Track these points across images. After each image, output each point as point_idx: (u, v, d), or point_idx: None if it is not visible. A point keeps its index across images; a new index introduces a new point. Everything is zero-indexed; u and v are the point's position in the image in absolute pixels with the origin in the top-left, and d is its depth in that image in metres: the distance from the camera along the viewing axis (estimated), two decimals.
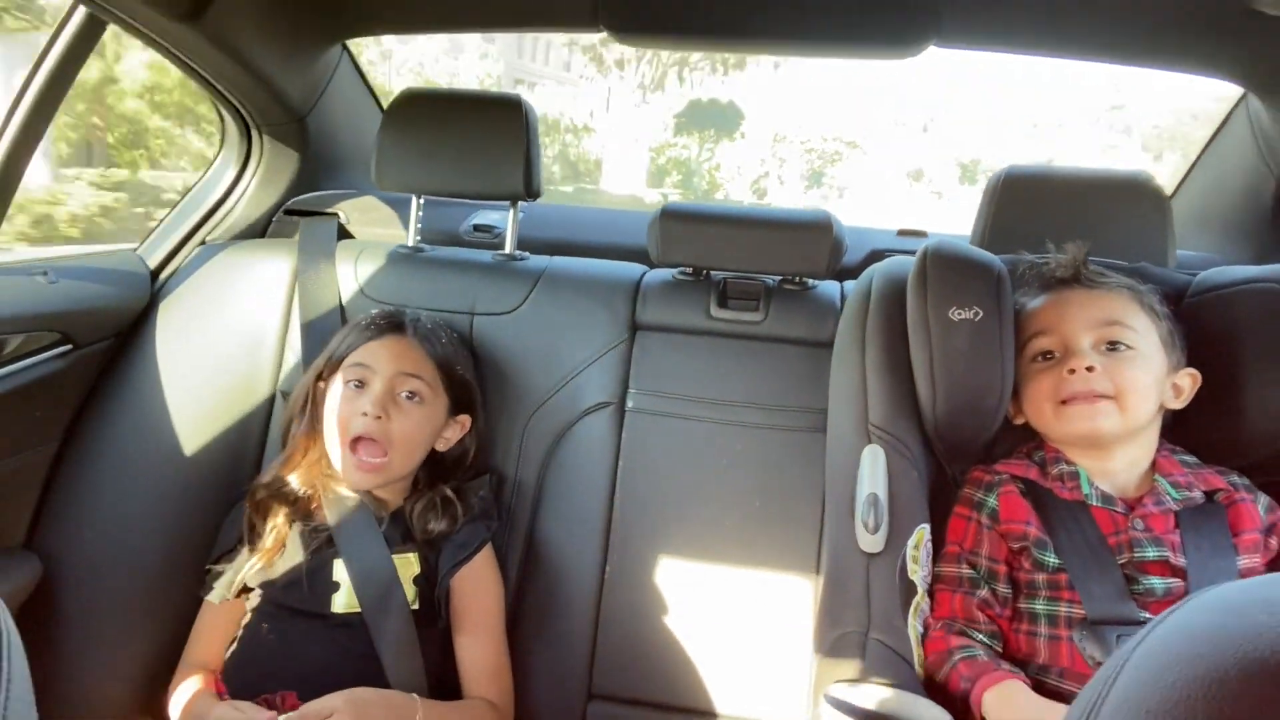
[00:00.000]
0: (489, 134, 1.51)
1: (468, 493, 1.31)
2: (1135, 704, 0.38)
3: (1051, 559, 1.03)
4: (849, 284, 1.42)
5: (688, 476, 1.41)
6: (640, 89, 17.87)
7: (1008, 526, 1.07)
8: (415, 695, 1.14)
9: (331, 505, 1.26)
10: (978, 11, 1.46)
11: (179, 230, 1.64)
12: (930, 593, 1.08)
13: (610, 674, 1.37)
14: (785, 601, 1.35)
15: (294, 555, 1.23)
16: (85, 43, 1.28)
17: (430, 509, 1.27)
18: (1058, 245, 1.18)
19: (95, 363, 1.44)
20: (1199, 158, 1.73)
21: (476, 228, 1.79)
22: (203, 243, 1.66)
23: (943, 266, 1.10)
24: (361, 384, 1.26)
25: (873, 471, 1.11)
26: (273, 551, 1.23)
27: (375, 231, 1.74)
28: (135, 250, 1.60)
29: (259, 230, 1.75)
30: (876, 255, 1.54)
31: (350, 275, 1.52)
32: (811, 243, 1.42)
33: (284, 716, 1.08)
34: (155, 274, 1.58)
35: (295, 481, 1.28)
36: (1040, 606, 1.02)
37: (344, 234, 1.69)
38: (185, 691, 1.20)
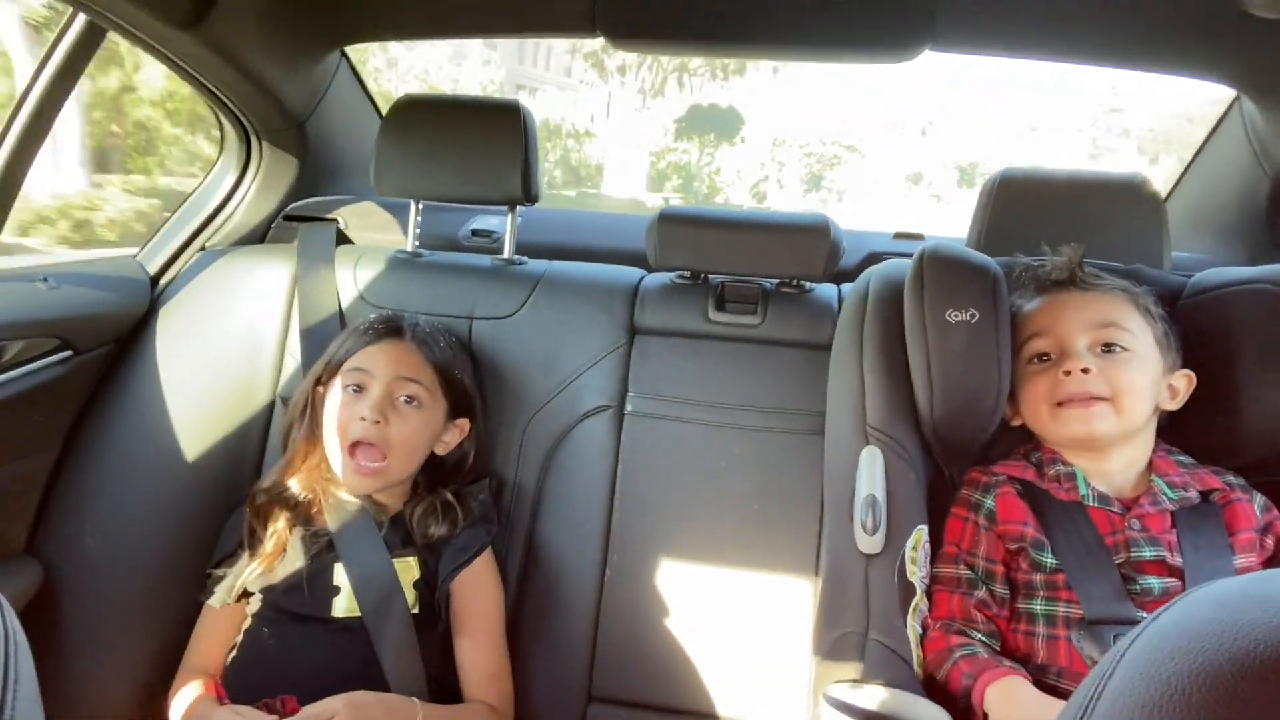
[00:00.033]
0: (487, 139, 1.51)
1: (467, 497, 1.31)
2: (1130, 698, 0.38)
3: (1049, 559, 1.03)
4: (846, 287, 1.43)
5: (687, 479, 1.41)
6: (641, 94, 17.90)
7: (1005, 527, 1.07)
8: (415, 699, 1.15)
9: (332, 510, 1.26)
10: (972, 16, 1.47)
11: (179, 236, 1.64)
12: (928, 593, 1.08)
13: (610, 676, 1.37)
14: (784, 603, 1.35)
15: (294, 560, 1.23)
16: (85, 50, 1.29)
17: (430, 513, 1.27)
18: (1053, 248, 1.18)
19: (95, 369, 1.44)
20: (1193, 160, 1.74)
21: (475, 232, 1.79)
22: (202, 248, 1.66)
23: (939, 269, 1.11)
24: (360, 389, 1.26)
25: (871, 473, 1.12)
26: (273, 556, 1.23)
27: (374, 237, 1.75)
28: (135, 256, 1.60)
29: (258, 236, 1.75)
30: (873, 258, 1.54)
31: (349, 280, 1.52)
32: (809, 246, 1.42)
33: None
34: (155, 280, 1.59)
35: (295, 486, 1.28)
36: (1038, 607, 1.03)
37: (343, 239, 1.70)
38: (185, 696, 1.20)
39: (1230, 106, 1.61)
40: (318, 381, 1.31)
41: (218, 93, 1.52)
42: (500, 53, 18.56)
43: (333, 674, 1.15)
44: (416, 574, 1.24)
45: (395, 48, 14.57)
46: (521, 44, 19.50)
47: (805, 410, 1.39)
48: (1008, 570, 1.07)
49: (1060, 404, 1.08)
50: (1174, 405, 1.11)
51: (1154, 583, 0.99)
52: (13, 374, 1.28)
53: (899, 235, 1.81)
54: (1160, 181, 1.56)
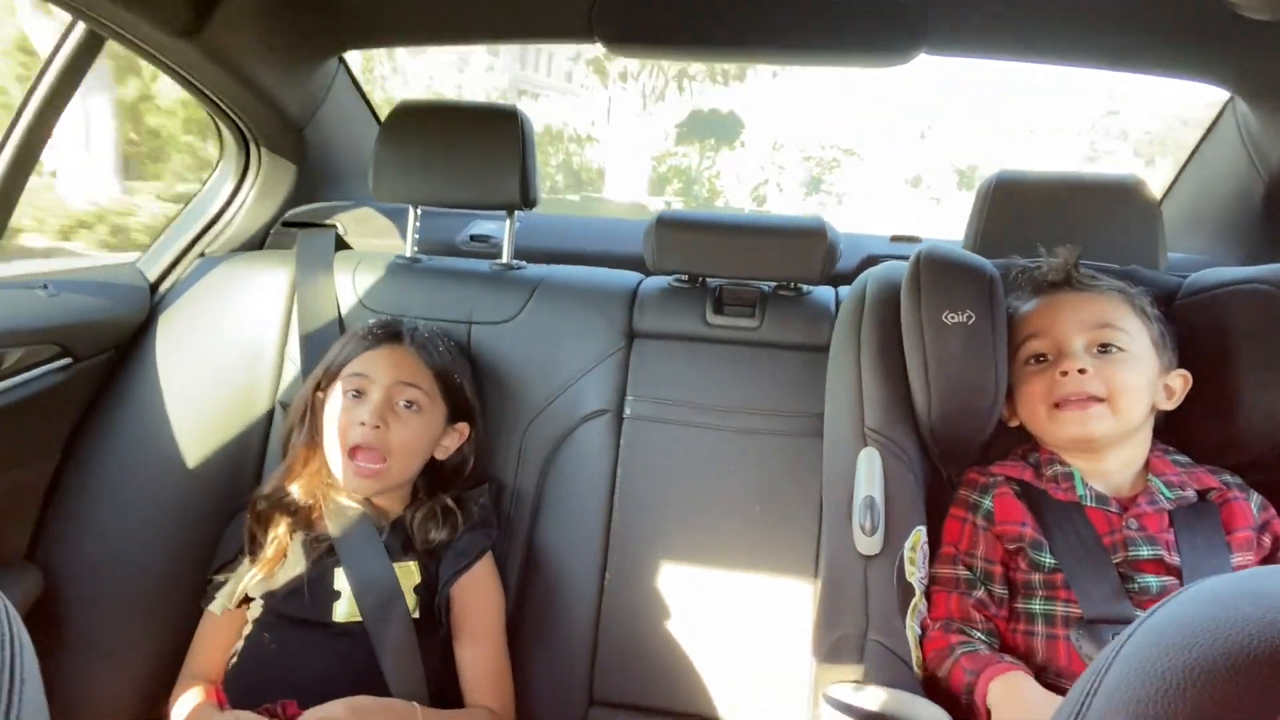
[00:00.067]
0: (485, 144, 1.52)
1: (467, 501, 1.31)
2: (1126, 693, 0.39)
3: (1047, 559, 1.03)
4: (843, 289, 1.43)
5: (686, 482, 1.41)
6: (642, 98, 17.95)
7: (1003, 528, 1.08)
8: (416, 704, 1.15)
9: (332, 515, 1.26)
10: (966, 19, 1.48)
11: (178, 243, 1.64)
12: (927, 594, 1.08)
13: (611, 680, 1.37)
14: (784, 605, 1.35)
15: (295, 565, 1.23)
16: (84, 58, 1.29)
17: (430, 518, 1.27)
18: (1049, 249, 1.18)
19: (95, 376, 1.44)
20: (1188, 161, 1.75)
21: (473, 238, 1.79)
22: (201, 255, 1.66)
23: (935, 271, 1.11)
24: (360, 393, 1.27)
25: (869, 474, 1.12)
26: (274, 562, 1.23)
27: (373, 242, 1.75)
28: (134, 263, 1.61)
29: (257, 242, 1.76)
30: (870, 261, 1.55)
31: (348, 286, 1.53)
32: (806, 249, 1.42)
33: None
34: (154, 287, 1.59)
35: (296, 492, 1.28)
36: (1037, 606, 1.03)
37: (342, 245, 1.70)
38: (186, 702, 1.20)
39: (1224, 108, 1.62)
40: (317, 387, 1.32)
41: (217, 100, 1.52)
42: (503, 59, 18.65)
43: (334, 679, 1.15)
44: (417, 579, 1.24)
45: (401, 55, 14.72)
46: (523, 50, 19.59)
47: (804, 412, 1.39)
48: (1006, 570, 1.08)
49: (1057, 405, 1.08)
50: (1170, 405, 1.11)
51: (1152, 581, 0.99)
52: (12, 381, 1.28)
53: (896, 238, 1.81)
54: (1156, 184, 1.56)
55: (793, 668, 1.32)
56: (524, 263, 1.59)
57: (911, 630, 1.04)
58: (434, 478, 1.35)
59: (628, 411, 1.44)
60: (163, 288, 1.59)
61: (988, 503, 1.10)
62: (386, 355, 1.29)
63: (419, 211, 1.61)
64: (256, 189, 1.71)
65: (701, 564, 1.38)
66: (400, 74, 15.76)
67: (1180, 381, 1.11)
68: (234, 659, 1.23)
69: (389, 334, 1.32)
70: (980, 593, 1.06)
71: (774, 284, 1.50)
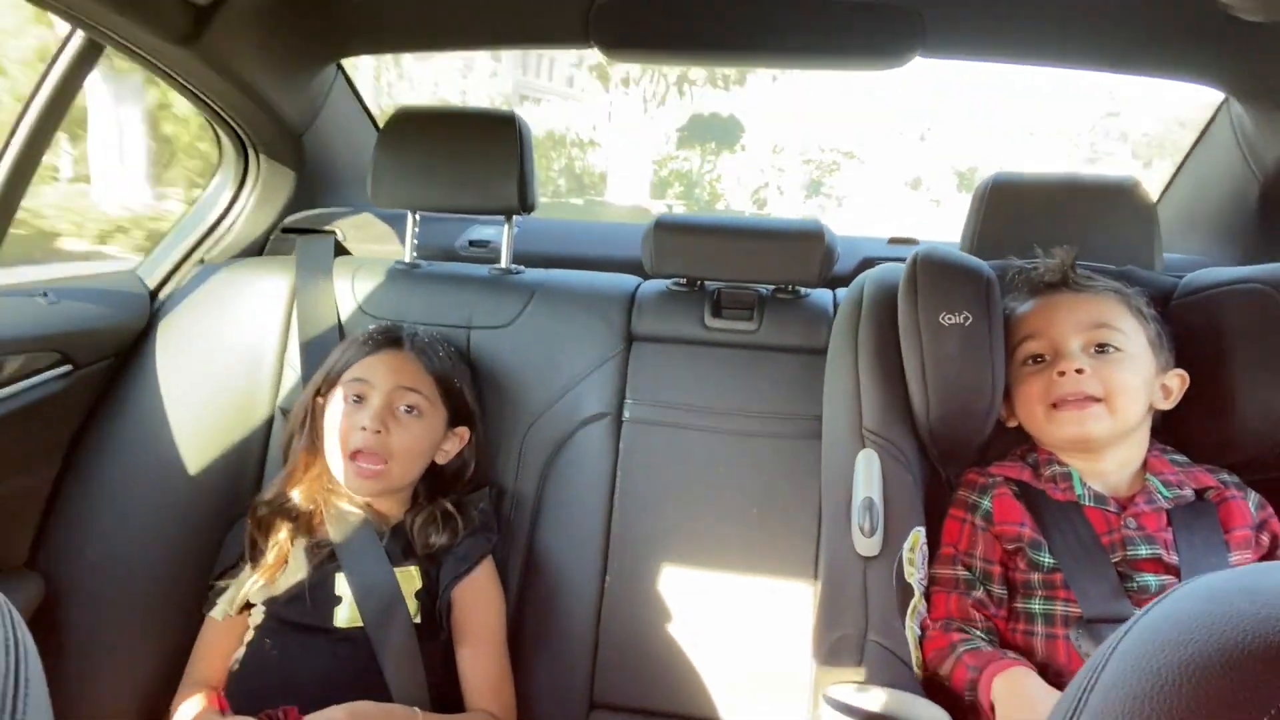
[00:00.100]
0: (483, 150, 1.52)
1: (467, 506, 1.32)
2: (1122, 690, 0.39)
3: (1046, 559, 1.04)
4: (841, 292, 1.43)
5: (685, 485, 1.41)
6: (643, 101, 18.01)
7: (1002, 528, 1.08)
8: (417, 709, 1.15)
9: (333, 520, 1.26)
10: (962, 22, 1.48)
11: (177, 250, 1.65)
12: (926, 595, 1.08)
13: (612, 683, 1.37)
14: (784, 607, 1.35)
15: (296, 571, 1.23)
16: (83, 66, 1.29)
17: (430, 523, 1.27)
18: (1046, 250, 1.19)
19: (95, 383, 1.45)
20: (1183, 162, 1.75)
21: (472, 243, 1.80)
22: (201, 262, 1.67)
23: (932, 273, 1.11)
24: (360, 399, 1.27)
25: (867, 476, 1.12)
26: (275, 567, 1.23)
27: (372, 248, 1.75)
28: (134, 270, 1.61)
29: (257, 249, 1.76)
30: (868, 263, 1.55)
31: (348, 292, 1.53)
32: (804, 251, 1.43)
33: None
34: (154, 294, 1.59)
35: (297, 497, 1.28)
36: (1037, 606, 1.03)
37: (341, 251, 1.70)
38: (188, 709, 1.20)
39: (1219, 110, 1.63)
40: (317, 392, 1.32)
41: (215, 107, 1.53)
42: (505, 64, 18.76)
43: (335, 684, 1.15)
44: (418, 584, 1.24)
45: (407, 61, 14.88)
46: (525, 55, 19.69)
47: (802, 415, 1.39)
48: (1005, 570, 1.08)
49: (1055, 405, 1.08)
50: (1167, 405, 1.11)
51: (1151, 580, 0.99)
52: (13, 389, 1.28)
53: (893, 240, 1.82)
54: (1154, 186, 1.57)
55: (793, 669, 1.32)
56: (522, 267, 1.59)
57: (911, 631, 1.04)
58: (434, 482, 1.35)
59: (627, 415, 1.44)
60: (162, 294, 1.60)
61: (986, 503, 1.10)
62: (387, 360, 1.29)
63: (418, 217, 1.61)
64: (256, 195, 1.71)
65: (701, 566, 1.38)
66: (406, 80, 15.96)
67: (1177, 381, 1.11)
68: (235, 665, 1.23)
69: (389, 339, 1.32)
70: (979, 593, 1.06)
71: (772, 287, 1.50)
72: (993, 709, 0.93)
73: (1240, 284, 1.11)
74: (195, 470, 1.42)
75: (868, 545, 1.09)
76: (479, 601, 1.28)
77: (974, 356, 1.08)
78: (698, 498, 1.40)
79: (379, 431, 1.23)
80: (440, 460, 1.34)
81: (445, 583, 1.25)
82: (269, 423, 1.49)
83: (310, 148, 1.75)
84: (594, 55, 1.58)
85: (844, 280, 1.42)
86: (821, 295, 1.51)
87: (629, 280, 1.55)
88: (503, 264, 1.58)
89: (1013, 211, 1.34)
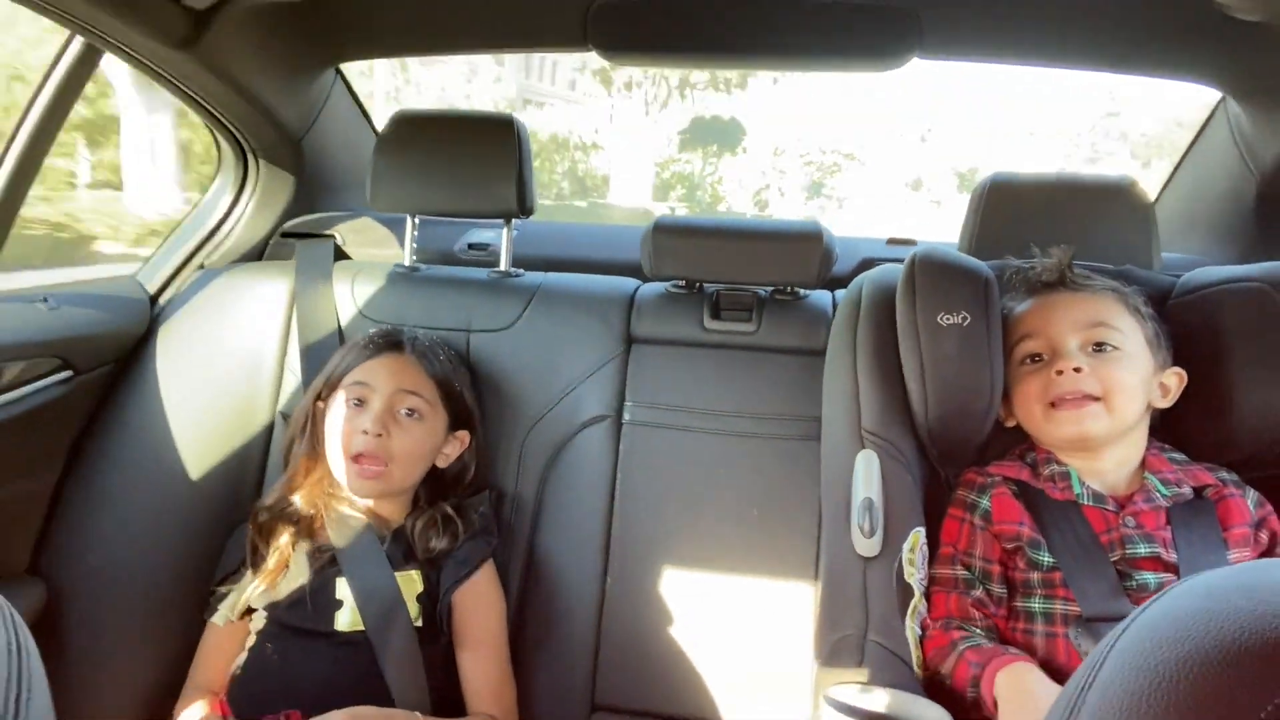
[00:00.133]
0: (482, 153, 1.53)
1: (468, 509, 1.32)
2: (1120, 687, 0.39)
3: (1045, 558, 1.04)
4: (840, 293, 1.43)
5: (686, 487, 1.41)
6: (645, 104, 18.07)
7: (1000, 527, 1.08)
8: (418, 713, 1.15)
9: (334, 525, 1.26)
10: (959, 23, 1.48)
11: (177, 255, 1.65)
12: (926, 595, 1.08)
13: (613, 685, 1.37)
14: (785, 608, 1.35)
15: (297, 575, 1.23)
16: (82, 71, 1.30)
17: (431, 526, 1.27)
18: (1043, 250, 1.19)
19: (96, 389, 1.45)
20: (1181, 161, 1.75)
21: (471, 246, 1.80)
22: (201, 267, 1.67)
23: (930, 273, 1.11)
24: (361, 402, 1.27)
25: (867, 476, 1.12)
26: (276, 573, 1.23)
27: (371, 252, 1.75)
28: (134, 275, 1.61)
29: (256, 254, 1.76)
30: (867, 264, 1.55)
31: (348, 296, 1.53)
32: (802, 253, 1.43)
33: None
34: (154, 299, 1.59)
35: (298, 502, 1.29)
36: (1036, 605, 1.03)
37: (340, 255, 1.70)
38: (190, 715, 1.20)
39: (1216, 108, 1.63)
40: (318, 397, 1.32)
41: (214, 112, 1.53)
42: (509, 69, 18.87)
43: (336, 688, 1.15)
44: (419, 587, 1.24)
45: (414, 67, 15.04)
46: (527, 59, 19.81)
47: (802, 416, 1.39)
48: (1005, 569, 1.08)
49: (1053, 404, 1.08)
50: (1165, 403, 1.11)
51: (1150, 578, 0.99)
52: (13, 395, 1.28)
53: (892, 240, 1.81)
54: (1152, 185, 1.56)
55: (793, 670, 1.32)
56: (521, 270, 1.59)
57: (911, 631, 1.04)
58: (435, 486, 1.35)
59: (626, 417, 1.44)
60: (162, 300, 1.60)
61: (985, 502, 1.10)
62: (388, 364, 1.30)
63: (417, 220, 1.61)
64: (255, 200, 1.72)
65: (702, 568, 1.38)
66: (413, 85, 16.22)
67: (1175, 380, 1.11)
68: (237, 670, 1.23)
69: (390, 343, 1.33)
70: (979, 592, 1.06)
71: (771, 288, 1.50)
72: (995, 705, 0.93)
73: (1238, 282, 1.11)
74: (196, 475, 1.43)
75: (868, 546, 1.09)
76: (480, 605, 1.28)
77: (972, 357, 1.08)
78: (698, 499, 1.40)
79: (380, 435, 1.24)
80: (441, 464, 1.34)
81: (446, 586, 1.25)
82: (269, 427, 1.50)
83: (309, 152, 1.75)
84: (596, 59, 1.58)
85: (843, 281, 1.42)
86: (820, 296, 1.51)
87: (628, 283, 1.55)
88: (502, 267, 1.59)
89: (1011, 211, 1.34)
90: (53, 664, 1.28)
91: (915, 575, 1.07)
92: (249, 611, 1.25)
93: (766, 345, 1.45)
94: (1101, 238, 1.28)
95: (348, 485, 1.26)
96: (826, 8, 1.43)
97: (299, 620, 1.21)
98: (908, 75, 1.49)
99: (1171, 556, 1.00)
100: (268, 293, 1.54)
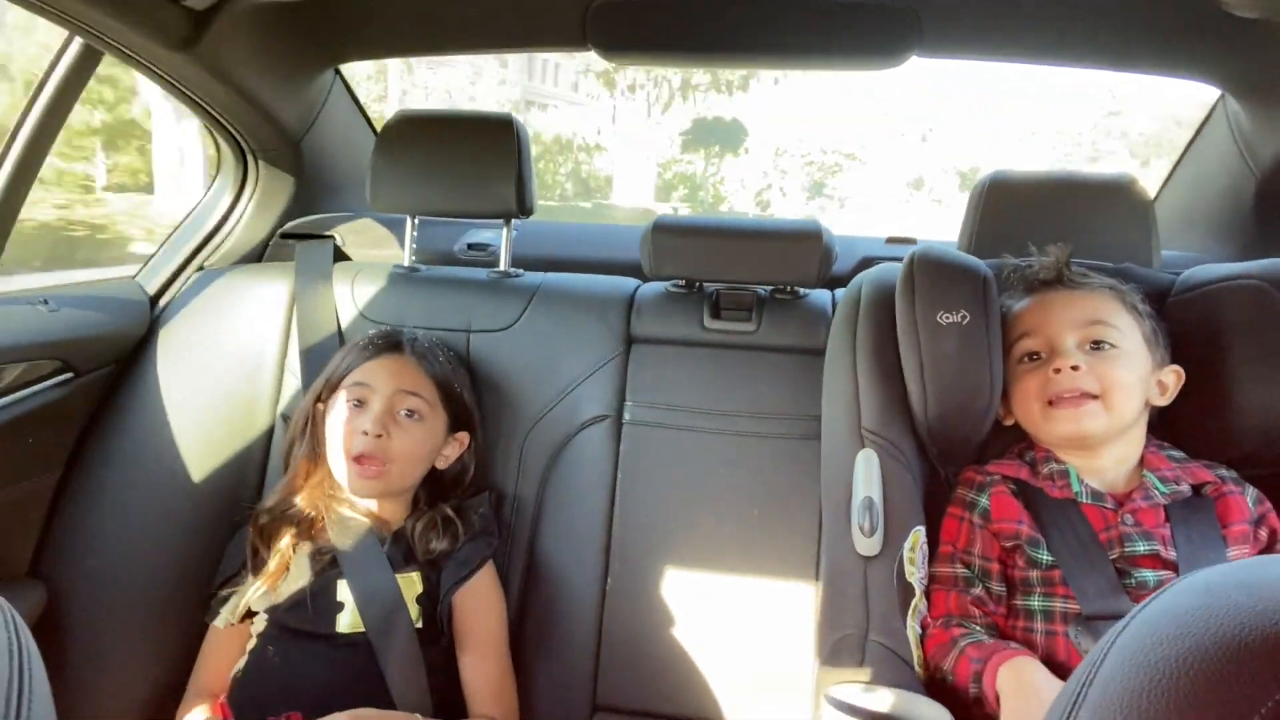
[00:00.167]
0: (481, 153, 1.53)
1: (468, 510, 1.32)
2: (1121, 684, 0.39)
3: (1045, 556, 1.04)
4: (840, 292, 1.43)
5: (686, 486, 1.41)
6: (647, 106, 18.14)
7: (999, 526, 1.08)
8: (419, 715, 1.15)
9: (335, 527, 1.26)
10: (958, 21, 1.48)
11: (177, 256, 1.65)
12: (927, 594, 1.08)
13: (614, 685, 1.37)
14: (785, 607, 1.35)
15: (298, 578, 1.23)
16: (81, 73, 1.30)
17: (431, 528, 1.27)
18: (1040, 249, 1.19)
19: (96, 390, 1.45)
20: (1180, 159, 1.75)
21: (471, 246, 1.80)
22: (201, 268, 1.67)
23: (929, 272, 1.11)
24: (361, 403, 1.27)
25: (867, 475, 1.12)
26: (276, 575, 1.23)
27: (371, 253, 1.76)
28: (134, 277, 1.61)
29: (256, 255, 1.76)
30: (867, 262, 1.55)
31: (347, 297, 1.53)
32: (802, 252, 1.43)
33: None
34: (154, 300, 1.59)
35: (298, 504, 1.28)
36: (1036, 603, 1.03)
37: (340, 256, 1.70)
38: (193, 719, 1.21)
39: (1215, 106, 1.63)
40: (318, 399, 1.32)
41: (213, 113, 1.53)
42: (514, 72, 18.96)
43: (337, 690, 1.15)
44: (420, 589, 1.24)
45: (421, 70, 15.15)
46: (530, 61, 19.88)
47: (802, 415, 1.39)
48: (1004, 568, 1.08)
49: (1051, 402, 1.08)
50: (1164, 401, 1.11)
51: (1149, 576, 0.99)
52: (14, 397, 1.28)
53: (891, 240, 1.82)
54: (1151, 184, 1.56)
55: (794, 669, 1.32)
56: (521, 270, 1.59)
57: (912, 630, 1.04)
58: (434, 487, 1.35)
59: (627, 417, 1.44)
60: (162, 301, 1.60)
61: (984, 501, 1.10)
62: (388, 364, 1.30)
63: (416, 221, 1.61)
64: (255, 201, 1.72)
65: (702, 567, 1.38)
66: (421, 88, 16.50)
67: (1173, 377, 1.11)
68: (238, 672, 1.23)
69: (390, 344, 1.33)
70: (979, 590, 1.06)
71: (770, 287, 1.50)
72: (998, 700, 0.93)
73: (1236, 280, 1.11)
74: (197, 478, 1.43)
75: (868, 545, 1.09)
76: (480, 606, 1.28)
77: (972, 355, 1.08)
78: (698, 499, 1.40)
79: (380, 435, 1.23)
80: (440, 465, 1.34)
81: (446, 588, 1.24)
82: (270, 429, 1.50)
83: (309, 153, 1.75)
84: (598, 60, 1.58)
85: (843, 280, 1.42)
86: (820, 295, 1.51)
87: (628, 282, 1.55)
88: (502, 267, 1.59)
89: (1011, 210, 1.34)
90: (53, 666, 1.29)
91: (916, 574, 1.07)
92: (250, 614, 1.25)
93: (766, 345, 1.45)
94: (1101, 235, 1.28)
95: (348, 486, 1.26)
96: (825, 6, 1.43)
97: (300, 622, 1.21)
98: (908, 75, 1.49)
99: (1170, 554, 1.00)
100: (268, 294, 1.54)
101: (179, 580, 1.37)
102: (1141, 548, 1.01)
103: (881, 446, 1.14)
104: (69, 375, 1.38)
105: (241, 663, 1.23)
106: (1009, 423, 1.17)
